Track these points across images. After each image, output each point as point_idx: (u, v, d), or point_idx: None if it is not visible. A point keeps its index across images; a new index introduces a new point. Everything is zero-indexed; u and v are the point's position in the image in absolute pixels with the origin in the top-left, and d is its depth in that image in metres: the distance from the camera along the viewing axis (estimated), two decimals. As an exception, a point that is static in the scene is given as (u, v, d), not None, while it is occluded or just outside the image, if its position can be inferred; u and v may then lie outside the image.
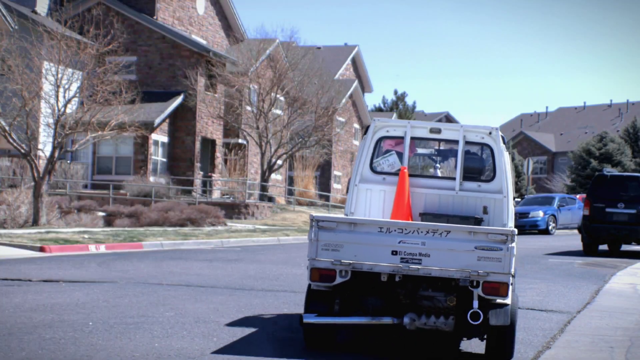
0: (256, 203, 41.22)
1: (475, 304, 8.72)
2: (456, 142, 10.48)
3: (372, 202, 10.57)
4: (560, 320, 11.76)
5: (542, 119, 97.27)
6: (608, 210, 24.67)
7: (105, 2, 44.28)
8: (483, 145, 10.49)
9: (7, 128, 28.39)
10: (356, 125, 65.64)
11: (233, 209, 39.38)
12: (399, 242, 8.83)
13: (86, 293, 12.92)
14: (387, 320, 8.88)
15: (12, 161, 37.09)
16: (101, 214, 33.21)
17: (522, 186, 73.84)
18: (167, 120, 43.39)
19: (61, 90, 29.14)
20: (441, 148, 10.98)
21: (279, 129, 46.01)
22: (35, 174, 28.76)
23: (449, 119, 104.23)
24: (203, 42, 48.56)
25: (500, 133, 10.43)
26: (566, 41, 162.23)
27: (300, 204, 50.21)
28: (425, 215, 10.30)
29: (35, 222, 28.40)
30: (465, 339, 9.97)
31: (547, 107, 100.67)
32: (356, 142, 65.58)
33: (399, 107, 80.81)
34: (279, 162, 46.68)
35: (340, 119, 60.21)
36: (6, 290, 13.02)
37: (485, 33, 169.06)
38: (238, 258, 20.48)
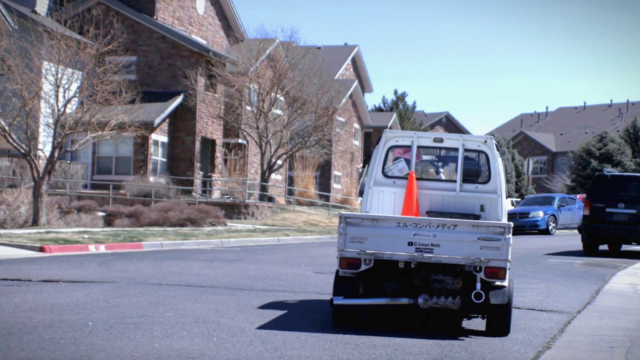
0: (256, 203, 41.21)
1: (478, 285, 10.34)
2: (456, 149, 12.12)
3: (385, 202, 12.16)
4: (561, 321, 11.76)
5: (542, 119, 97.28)
6: (608, 210, 24.66)
7: (105, 2, 44.28)
8: (479, 152, 12.11)
9: (7, 128, 28.38)
10: (356, 125, 65.63)
11: (233, 209, 39.38)
12: (414, 235, 10.45)
13: (86, 293, 12.92)
14: (404, 300, 10.52)
15: (12, 161, 37.09)
16: (101, 214, 33.20)
17: (522, 186, 73.85)
18: (167, 120, 43.39)
19: (61, 90, 29.12)
20: (443, 155, 12.59)
21: (279, 129, 46.01)
22: (35, 174, 28.75)
23: (449, 119, 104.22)
24: (203, 42, 48.56)
25: (494, 141, 12.06)
26: (566, 41, 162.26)
27: (300, 204, 50.21)
28: (431, 213, 11.83)
29: (35, 222, 28.39)
30: (466, 320, 11.39)
31: (547, 107, 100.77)
32: (356, 142, 65.58)
33: (399, 107, 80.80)
34: (279, 162, 46.68)
35: (340, 119, 60.21)
36: (6, 291, 13.02)
37: (485, 33, 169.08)
38: (238, 258, 20.48)
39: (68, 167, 39.44)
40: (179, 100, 43.51)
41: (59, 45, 29.13)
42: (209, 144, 46.43)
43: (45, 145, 33.09)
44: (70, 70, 29.52)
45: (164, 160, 43.59)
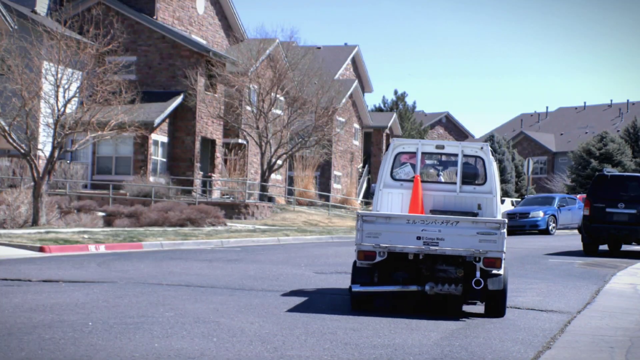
0: (256, 203, 41.21)
1: (478, 274, 11.77)
2: (456, 155, 13.65)
3: (393, 202, 13.64)
4: (561, 321, 11.75)
5: (542, 119, 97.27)
6: (608, 210, 24.65)
7: (105, 2, 44.27)
8: (477, 157, 13.61)
9: (6, 128, 28.38)
10: (356, 125, 65.62)
11: (233, 209, 39.38)
12: (422, 230, 11.85)
13: (86, 293, 12.91)
14: (413, 288, 11.96)
15: (11, 161, 37.08)
16: (101, 214, 33.20)
17: (522, 186, 73.87)
18: (167, 120, 43.38)
19: (61, 90, 29.12)
20: (444, 160, 14.17)
21: (279, 129, 46.01)
22: (35, 174, 28.74)
23: (449, 119, 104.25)
24: (203, 42, 48.55)
25: (489, 148, 13.57)
26: (566, 41, 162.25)
27: (300, 204, 50.20)
28: (434, 212, 13.30)
29: (34, 222, 28.38)
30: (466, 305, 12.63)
31: (547, 107, 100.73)
32: (356, 142, 65.58)
33: (399, 107, 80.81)
34: (279, 162, 46.67)
35: (340, 119, 60.20)
36: (6, 291, 13.01)
37: (485, 33, 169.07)
38: (238, 258, 20.47)
39: (68, 167, 39.44)
40: (179, 100, 43.51)
41: (58, 45, 29.13)
42: (209, 144, 46.42)
43: (45, 145, 33.08)
44: (70, 70, 29.52)
45: (164, 160, 43.59)
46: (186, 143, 44.13)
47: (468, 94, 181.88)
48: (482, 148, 13.55)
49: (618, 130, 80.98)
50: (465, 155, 13.61)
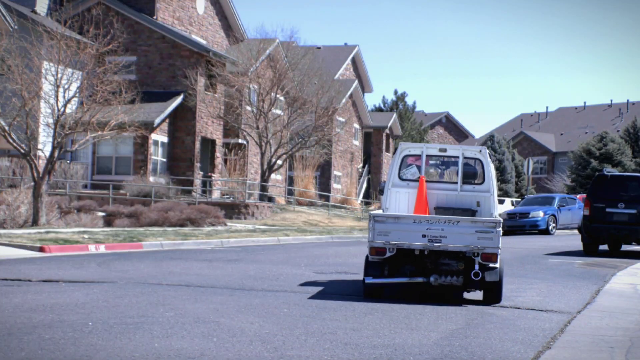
0: (256, 203, 41.21)
1: (477, 267, 13.15)
2: (457, 157, 15.02)
3: (400, 200, 14.97)
4: (561, 321, 11.75)
5: (542, 119, 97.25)
6: (608, 210, 24.65)
7: (105, 2, 44.27)
8: (476, 159, 14.97)
9: (6, 128, 28.38)
10: (356, 125, 65.61)
11: (233, 209, 39.38)
12: (427, 229, 13.19)
13: (86, 293, 12.91)
14: (419, 279, 13.37)
15: (11, 161, 37.08)
16: (101, 214, 33.19)
17: (522, 186, 73.84)
18: (167, 120, 43.38)
19: (61, 90, 29.12)
20: (446, 161, 15.49)
21: (279, 129, 46.01)
22: (35, 174, 28.74)
23: (448, 119, 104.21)
24: (203, 42, 48.55)
25: (487, 150, 15.03)
26: (566, 41, 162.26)
27: (300, 204, 50.20)
28: (438, 209, 14.71)
29: (34, 222, 28.38)
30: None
31: (547, 107, 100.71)
32: (356, 142, 65.58)
33: (399, 107, 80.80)
34: (279, 162, 46.67)
35: (340, 119, 60.20)
36: (6, 291, 13.01)
37: (485, 33, 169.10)
38: (238, 258, 20.47)
39: (68, 167, 39.43)
40: (179, 100, 43.51)
41: (58, 45, 29.13)
42: (209, 144, 46.41)
43: (45, 145, 33.08)
44: (70, 70, 29.52)
45: (164, 160, 43.59)
46: (186, 143, 44.13)
47: (468, 94, 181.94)
48: (480, 151, 15.03)
49: (618, 130, 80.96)
50: (465, 158, 14.99)
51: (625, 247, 27.03)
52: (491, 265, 13.21)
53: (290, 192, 53.50)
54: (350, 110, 63.25)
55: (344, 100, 59.26)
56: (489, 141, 73.47)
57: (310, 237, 31.34)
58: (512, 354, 9.43)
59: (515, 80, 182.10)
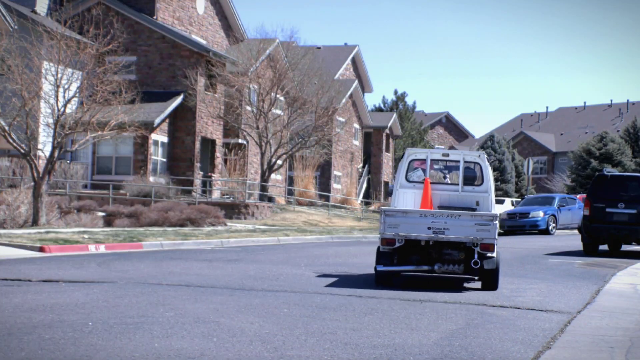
0: (256, 203, 41.21)
1: (476, 256, 14.65)
2: (458, 161, 16.53)
3: (407, 200, 16.56)
4: (561, 321, 11.75)
5: (542, 119, 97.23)
6: (608, 210, 24.64)
7: (105, 2, 44.27)
8: (475, 163, 16.51)
9: (6, 128, 28.38)
10: (356, 125, 65.60)
11: (233, 209, 39.38)
12: (432, 222, 14.72)
13: (86, 293, 12.91)
14: (424, 267, 15.00)
15: (11, 161, 37.08)
16: (101, 214, 33.19)
17: (522, 186, 73.81)
18: (167, 120, 43.38)
19: (61, 90, 29.12)
20: (449, 165, 16.94)
21: (279, 129, 46.00)
22: (35, 174, 28.74)
23: (448, 119, 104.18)
24: (203, 42, 48.54)
25: (485, 155, 16.59)
26: (566, 41, 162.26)
27: (300, 204, 50.20)
28: (441, 207, 16.10)
29: (34, 222, 28.38)
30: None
31: (547, 107, 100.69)
32: (356, 142, 65.57)
33: (399, 107, 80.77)
34: (279, 162, 46.66)
35: (340, 119, 60.19)
36: (6, 291, 13.01)
37: (485, 33, 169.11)
38: (238, 258, 20.47)
39: (68, 167, 39.43)
40: (178, 100, 43.51)
41: (58, 45, 29.13)
42: (209, 144, 46.41)
43: (45, 145, 33.08)
44: (70, 70, 29.52)
45: (164, 160, 43.58)
46: (186, 143, 44.13)
47: (468, 94, 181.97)
48: (479, 156, 16.59)
49: (618, 130, 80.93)
50: (466, 162, 16.54)
51: (625, 247, 27.03)
52: (489, 254, 14.73)
53: (290, 192, 53.50)
54: (350, 110, 63.24)
55: (344, 100, 59.26)
56: (489, 141, 73.41)
57: (310, 237, 31.33)
58: (512, 354, 9.42)
59: (515, 80, 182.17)
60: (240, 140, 48.69)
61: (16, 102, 29.09)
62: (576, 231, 38.63)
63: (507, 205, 50.64)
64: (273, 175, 49.59)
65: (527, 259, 22.38)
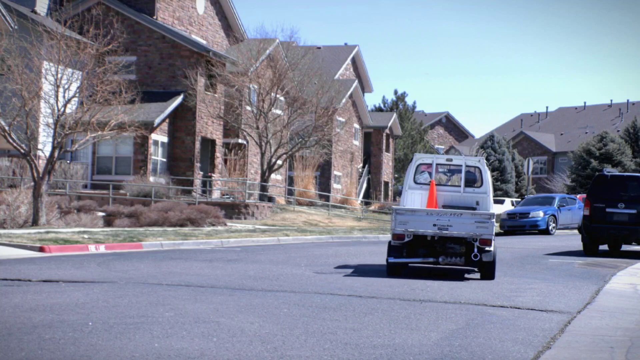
0: (256, 203, 41.20)
1: (476, 250, 16.49)
2: (460, 166, 18.54)
3: (415, 200, 18.41)
4: (561, 321, 11.74)
5: (542, 119, 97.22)
6: (608, 210, 24.65)
7: (105, 2, 44.27)
8: (475, 167, 18.45)
9: (6, 128, 28.37)
10: (356, 125, 65.59)
11: (233, 209, 39.37)
12: (437, 219, 16.57)
13: (86, 293, 12.91)
14: (430, 259, 16.89)
15: (11, 161, 37.08)
16: (101, 214, 33.19)
17: (522, 186, 73.80)
18: (167, 120, 43.38)
19: (61, 90, 29.11)
20: (452, 169, 19.09)
21: (279, 129, 46.00)
22: (35, 174, 28.74)
23: (448, 119, 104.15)
24: (203, 42, 48.54)
25: (484, 160, 18.67)
26: (566, 41, 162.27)
27: (300, 204, 50.19)
28: (445, 206, 17.95)
29: (34, 222, 28.38)
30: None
31: (547, 107, 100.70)
32: (356, 142, 65.57)
33: (399, 107, 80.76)
34: (279, 162, 46.66)
35: (340, 119, 60.19)
36: (5, 291, 13.01)
37: (485, 33, 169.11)
38: (238, 258, 20.47)
39: (68, 167, 39.43)
40: (178, 100, 43.50)
41: (58, 45, 29.12)
42: (209, 144, 46.41)
43: (45, 145, 33.07)
44: (70, 70, 29.52)
45: (164, 160, 43.58)
46: (186, 143, 44.13)
47: (468, 94, 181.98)
48: (479, 161, 18.58)
49: (618, 130, 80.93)
50: (467, 166, 18.44)
51: (625, 247, 27.02)
52: (487, 248, 16.51)
53: (290, 192, 53.49)
54: (350, 110, 63.23)
55: (344, 100, 59.25)
56: (489, 141, 73.39)
57: (310, 237, 31.33)
58: (512, 354, 9.42)
59: (515, 80, 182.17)
60: (240, 140, 48.69)
61: (16, 102, 29.09)
62: (576, 231, 38.64)
63: (507, 205, 50.66)
64: (273, 175, 49.58)
65: (527, 259, 22.38)
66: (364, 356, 8.98)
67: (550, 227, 39.41)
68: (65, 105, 29.15)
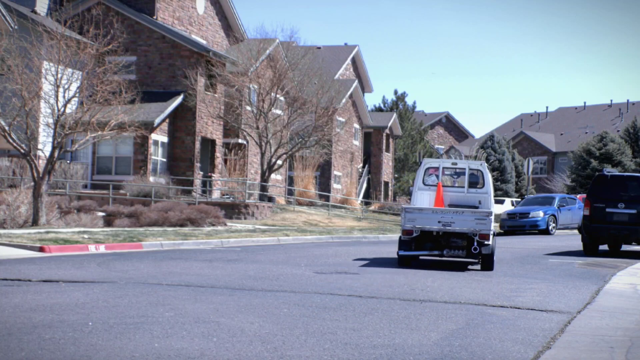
0: (256, 203, 41.20)
1: (475, 243, 18.48)
2: (464, 169, 20.68)
3: (424, 199, 20.48)
4: (561, 321, 11.74)
5: (542, 119, 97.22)
6: (608, 210, 24.64)
7: (105, 2, 44.27)
8: (478, 170, 20.63)
9: (6, 128, 28.37)
10: (356, 125, 65.59)
11: (233, 209, 39.37)
12: (441, 217, 18.61)
13: (86, 293, 12.90)
14: (435, 252, 18.91)
15: (11, 161, 37.08)
16: (101, 214, 33.19)
17: (522, 186, 73.80)
18: (167, 120, 43.38)
19: (61, 90, 29.11)
20: (457, 172, 21.11)
21: (279, 129, 46.00)
22: (35, 174, 28.74)
23: (449, 119, 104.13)
24: (203, 42, 48.54)
25: (486, 164, 20.83)
26: (566, 41, 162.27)
27: (300, 204, 50.19)
28: (451, 205, 20.11)
29: (34, 222, 28.38)
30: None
31: (547, 107, 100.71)
32: (356, 142, 65.57)
33: (399, 107, 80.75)
34: (279, 162, 46.65)
35: (340, 119, 60.18)
36: (5, 291, 13.00)
37: (485, 33, 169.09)
38: (238, 258, 20.47)
39: (68, 167, 39.43)
40: (178, 100, 43.50)
41: (58, 45, 29.12)
42: (209, 144, 46.41)
43: (45, 145, 33.07)
44: (70, 70, 29.52)
45: (164, 160, 43.58)
46: (186, 143, 44.13)
47: (468, 94, 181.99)
48: (481, 164, 20.69)
49: (618, 130, 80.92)
50: (470, 169, 20.59)
51: (625, 247, 27.01)
52: (486, 242, 18.45)
53: (290, 192, 53.49)
54: (350, 110, 63.23)
55: (344, 100, 59.24)
56: (489, 141, 73.38)
57: (310, 237, 31.33)
58: (512, 354, 9.42)
59: (515, 80, 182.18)
60: (240, 140, 48.68)
61: (16, 102, 29.08)
62: (576, 231, 38.63)
63: (507, 205, 50.67)
64: (273, 175, 49.58)
65: (527, 259, 22.38)
66: (364, 356, 8.98)
67: (550, 227, 39.40)
68: (65, 105, 29.14)
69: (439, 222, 18.57)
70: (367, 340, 9.79)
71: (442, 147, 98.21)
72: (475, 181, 20.54)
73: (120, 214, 33.36)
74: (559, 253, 25.07)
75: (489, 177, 20.48)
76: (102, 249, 22.36)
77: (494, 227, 20.14)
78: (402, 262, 19.00)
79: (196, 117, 44.10)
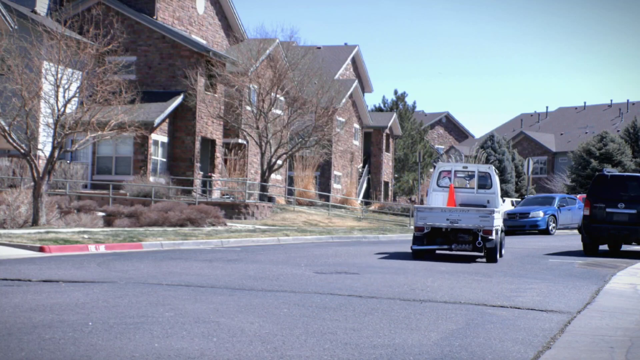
0: (256, 203, 41.21)
1: (480, 238, 20.77)
2: (474, 172, 23.09)
3: (438, 199, 22.81)
4: (561, 321, 11.74)
5: (542, 119, 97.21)
6: (608, 210, 24.63)
7: (105, 2, 44.27)
8: (486, 173, 22.97)
9: (6, 128, 28.37)
10: (356, 125, 65.59)
11: (233, 209, 39.37)
12: (449, 215, 21.01)
13: (86, 293, 12.90)
14: (445, 247, 21.26)
15: (11, 161, 37.08)
16: (101, 214, 33.19)
17: (522, 186, 73.81)
18: (167, 120, 43.38)
19: (61, 90, 29.11)
20: (468, 174, 23.43)
21: (279, 129, 46.00)
22: (35, 174, 28.73)
23: (449, 119, 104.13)
24: (203, 42, 48.54)
25: (493, 167, 23.22)
26: (566, 41, 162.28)
27: (300, 204, 50.19)
28: (462, 205, 22.27)
29: (34, 222, 28.37)
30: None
31: (547, 107, 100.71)
32: (356, 142, 65.57)
33: (399, 107, 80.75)
34: (279, 162, 46.65)
35: (340, 119, 60.18)
36: (5, 291, 13.00)
37: (485, 33, 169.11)
38: (238, 258, 20.47)
39: (68, 167, 39.43)
40: (178, 100, 43.50)
41: (58, 45, 29.12)
42: (209, 144, 46.41)
43: (45, 145, 33.06)
44: (70, 70, 29.52)
45: (164, 160, 43.58)
46: (186, 143, 44.13)
47: (468, 94, 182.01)
48: (489, 168, 23.08)
49: (618, 130, 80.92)
50: (479, 172, 22.93)
51: (625, 247, 27.01)
52: (489, 237, 20.69)
53: (290, 192, 53.48)
54: (350, 110, 63.22)
55: (344, 100, 59.24)
56: (489, 141, 73.39)
57: (310, 237, 31.33)
58: (512, 354, 9.42)
59: (515, 80, 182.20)
60: (240, 140, 48.68)
61: (16, 102, 29.08)
62: (576, 231, 38.64)
63: (507, 205, 50.61)
64: (273, 175, 49.58)
65: (527, 259, 22.39)
66: (364, 356, 8.97)
67: (550, 227, 39.40)
68: (65, 105, 29.14)
69: (447, 219, 20.87)
70: (367, 340, 9.79)
71: (442, 147, 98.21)
72: (484, 183, 22.79)
73: (120, 214, 33.36)
74: (559, 253, 25.06)
75: (496, 179, 22.75)
76: (102, 249, 22.36)
77: (500, 224, 22.25)
78: (415, 256, 21.09)
79: (196, 117, 44.10)
